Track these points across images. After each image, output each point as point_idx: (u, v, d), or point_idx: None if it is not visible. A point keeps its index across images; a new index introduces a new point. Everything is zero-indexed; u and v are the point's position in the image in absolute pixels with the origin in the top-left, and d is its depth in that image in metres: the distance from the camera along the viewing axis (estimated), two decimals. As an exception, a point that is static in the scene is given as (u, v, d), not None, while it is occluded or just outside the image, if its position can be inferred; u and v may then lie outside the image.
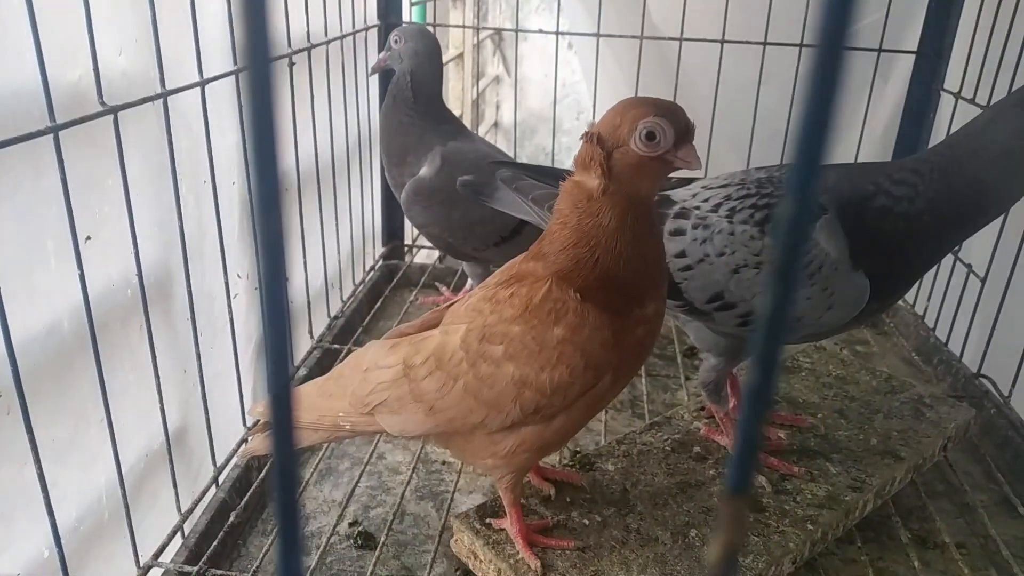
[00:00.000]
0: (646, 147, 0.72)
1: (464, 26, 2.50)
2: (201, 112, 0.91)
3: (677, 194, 1.01)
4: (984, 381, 1.33)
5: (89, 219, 0.76)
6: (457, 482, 1.07)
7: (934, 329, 1.50)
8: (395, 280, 1.66)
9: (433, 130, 1.29)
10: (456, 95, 2.79)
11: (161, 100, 0.83)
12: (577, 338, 0.74)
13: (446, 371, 0.78)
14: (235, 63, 0.99)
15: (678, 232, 0.95)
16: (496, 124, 3.59)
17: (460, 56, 2.73)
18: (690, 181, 1.05)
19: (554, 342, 0.74)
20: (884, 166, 0.94)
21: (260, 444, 0.91)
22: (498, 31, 3.13)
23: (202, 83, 0.90)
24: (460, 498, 1.06)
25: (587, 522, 0.91)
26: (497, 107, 3.63)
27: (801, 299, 0.87)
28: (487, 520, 0.90)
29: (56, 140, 0.67)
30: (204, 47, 0.91)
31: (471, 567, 0.90)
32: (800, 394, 1.18)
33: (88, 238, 0.75)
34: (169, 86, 0.85)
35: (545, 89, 3.50)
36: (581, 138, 0.75)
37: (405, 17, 1.67)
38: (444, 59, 2.68)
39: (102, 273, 0.82)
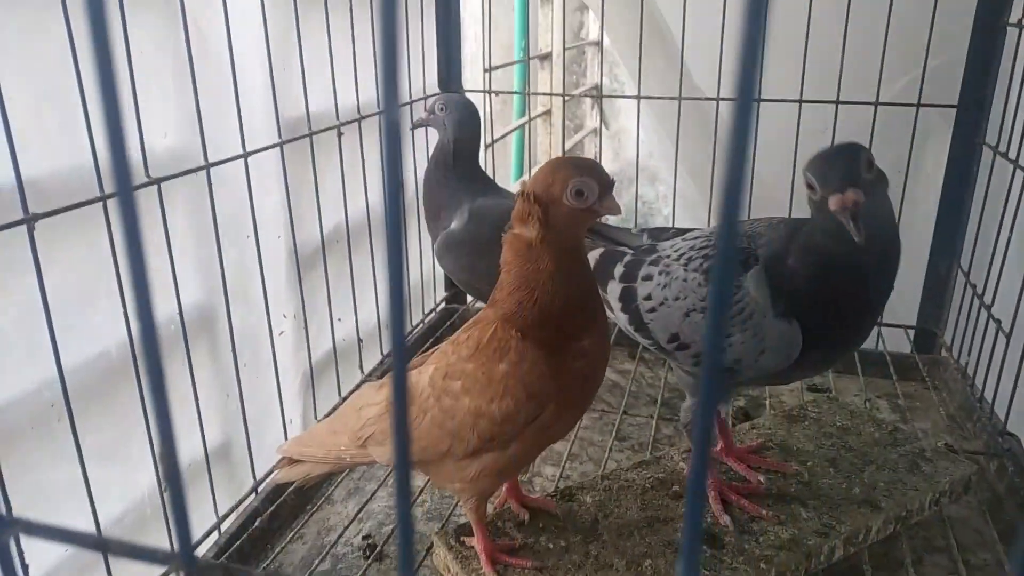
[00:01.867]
0: (576, 202, 0.83)
1: (551, 93, 2.69)
2: (245, 177, 1.10)
3: (661, 245, 1.10)
4: (1010, 439, 1.31)
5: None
6: (456, 504, 1.19)
7: (972, 385, 1.48)
8: (451, 321, 1.81)
9: (465, 189, 1.44)
10: (544, 149, 2.95)
11: (204, 171, 1.02)
12: (518, 372, 0.85)
13: (418, 405, 0.91)
14: (279, 136, 1.18)
15: (648, 277, 1.04)
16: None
17: (547, 113, 2.88)
18: (689, 231, 1.14)
19: (500, 376, 0.86)
20: (802, 221, 1.00)
21: (285, 475, 1.06)
22: (575, 96, 3.26)
23: (245, 155, 1.09)
24: (460, 520, 1.17)
25: (552, 546, 1.00)
26: (596, 158, 3.75)
27: (736, 343, 0.94)
28: (461, 538, 1.01)
29: (104, 207, 0.86)
30: (250, 120, 1.10)
31: (443, 573, 1.02)
32: (797, 442, 1.22)
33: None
34: (218, 157, 1.04)
35: (641, 140, 3.59)
36: (516, 195, 0.87)
37: (475, 84, 1.83)
38: (532, 114, 2.85)
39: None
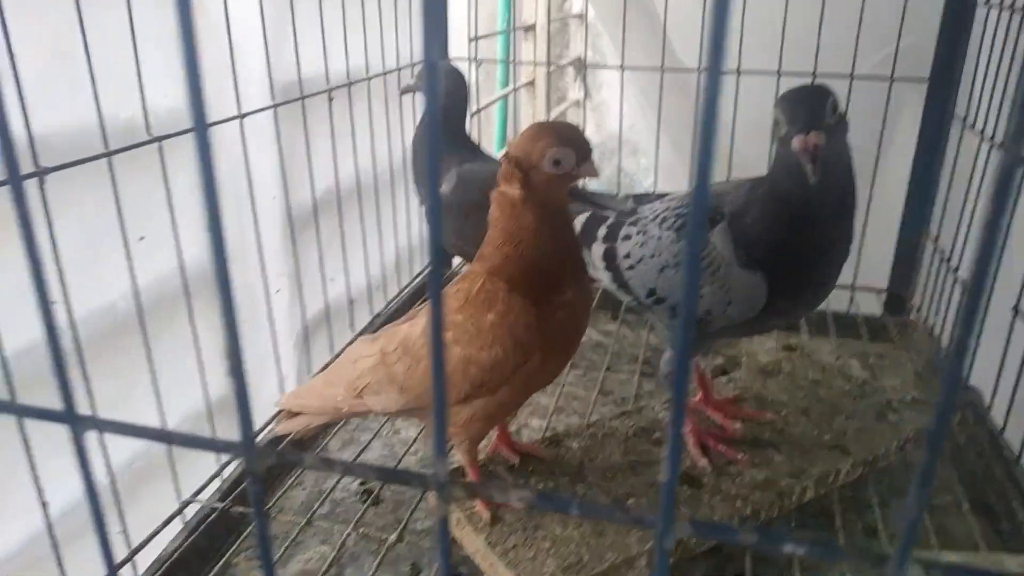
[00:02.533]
0: (554, 169, 0.88)
1: (535, 63, 2.72)
2: (240, 139, 1.14)
3: (642, 208, 1.16)
4: (971, 391, 1.38)
5: (144, 224, 0.98)
6: (451, 455, 1.25)
7: (940, 345, 1.55)
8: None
9: (452, 153, 1.48)
10: (527, 119, 2.98)
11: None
12: (505, 321, 0.90)
13: (411, 356, 0.96)
14: (272, 99, 1.21)
15: (627, 237, 1.10)
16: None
17: (531, 83, 2.92)
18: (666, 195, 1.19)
19: (487, 326, 0.91)
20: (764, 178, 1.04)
21: (285, 426, 1.10)
22: (559, 66, 3.29)
23: (240, 116, 1.13)
24: (454, 467, 1.23)
25: (541, 487, 1.06)
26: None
27: (706, 295, 1.00)
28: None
29: (109, 163, 0.90)
30: (246, 83, 1.14)
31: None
32: (771, 393, 1.28)
33: (142, 238, 0.98)
34: (215, 118, 1.07)
35: (625, 112, 3.62)
36: (501, 158, 0.92)
37: (460, 53, 1.87)
38: (516, 85, 2.89)
39: (153, 267, 1.05)
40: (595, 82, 3.63)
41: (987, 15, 1.45)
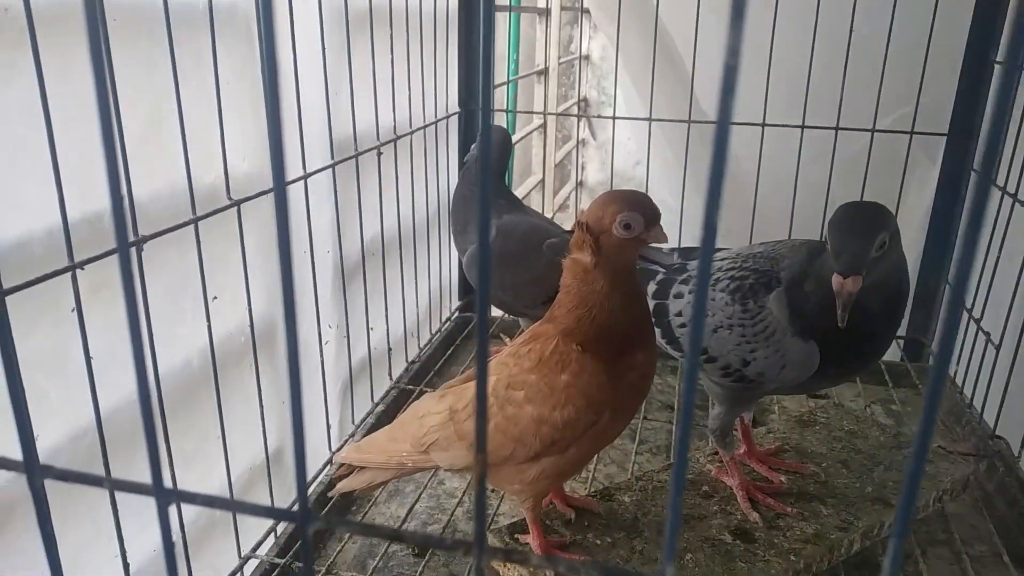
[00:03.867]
0: (624, 233, 0.92)
1: (532, 112, 2.79)
2: (304, 197, 1.17)
3: (692, 264, 1.20)
4: (1000, 441, 1.42)
5: (216, 284, 1.01)
6: (499, 506, 1.27)
7: (962, 391, 1.60)
8: (467, 330, 1.88)
9: (492, 206, 1.52)
10: (539, 160, 3.04)
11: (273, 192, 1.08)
12: (579, 382, 0.93)
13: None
14: (332, 157, 1.25)
15: (679, 296, 1.14)
16: (581, 183, 3.81)
17: (542, 126, 2.98)
18: (716, 251, 1.23)
19: (561, 386, 0.94)
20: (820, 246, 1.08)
21: (348, 483, 1.11)
22: (566, 115, 3.36)
23: (305, 176, 1.16)
24: (501, 520, 1.25)
25: (599, 542, 1.09)
26: (583, 168, 3.85)
27: (760, 358, 1.04)
28: (515, 535, 1.09)
29: (196, 229, 0.93)
30: (307, 145, 1.17)
31: (501, 573, 1.09)
32: (810, 445, 1.32)
33: (215, 298, 1.00)
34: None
35: (628, 151, 3.70)
36: (573, 226, 0.96)
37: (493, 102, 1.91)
38: (528, 129, 2.94)
39: (223, 325, 1.07)
40: (600, 123, 3.70)
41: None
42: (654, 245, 1.33)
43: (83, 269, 0.77)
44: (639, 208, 0.93)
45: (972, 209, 0.30)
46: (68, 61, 0.81)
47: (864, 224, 0.97)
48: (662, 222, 0.95)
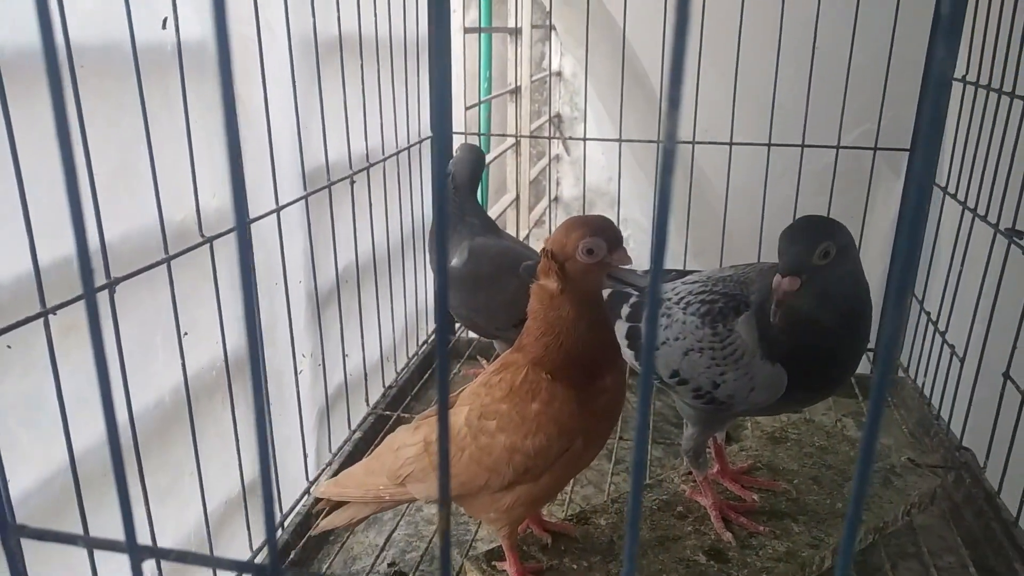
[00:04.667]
0: (588, 258, 0.93)
1: (505, 135, 2.82)
2: (276, 229, 1.18)
3: (664, 287, 1.22)
4: (966, 452, 1.45)
5: (187, 320, 1.01)
6: (477, 532, 1.28)
7: (928, 403, 1.63)
8: (444, 353, 1.89)
9: (464, 223, 1.54)
10: (513, 178, 3.06)
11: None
12: (550, 410, 0.95)
13: (455, 444, 0.99)
14: (304, 188, 1.26)
15: (652, 321, 1.15)
16: (556, 199, 3.84)
17: (517, 144, 3.00)
18: (688, 273, 1.25)
19: (532, 415, 0.95)
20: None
21: (330, 521, 1.11)
22: (536, 137, 3.38)
23: (277, 210, 1.17)
24: (480, 545, 1.26)
25: (576, 567, 1.10)
26: (558, 183, 3.88)
27: (730, 381, 1.06)
28: (492, 562, 1.10)
29: (168, 267, 0.93)
30: (279, 177, 1.18)
31: (479, 600, 1.10)
32: (782, 462, 1.34)
33: (186, 333, 1.01)
34: (255, 213, 1.12)
35: (601, 166, 3.72)
36: (540, 252, 0.97)
37: (458, 125, 1.93)
38: (502, 148, 2.96)
39: (195, 360, 1.07)
40: (573, 140, 3.73)
41: (963, 90, 1.56)
42: (625, 267, 1.35)
43: (55, 314, 0.77)
44: (601, 233, 0.95)
45: (913, 211, 0.32)
46: (37, 105, 0.81)
47: (808, 231, 1.01)
48: (634, 242, 0.98)
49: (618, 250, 0.96)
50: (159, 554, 0.43)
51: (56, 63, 0.37)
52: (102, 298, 0.84)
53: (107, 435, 0.40)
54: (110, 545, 0.43)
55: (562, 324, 0.97)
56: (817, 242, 0.98)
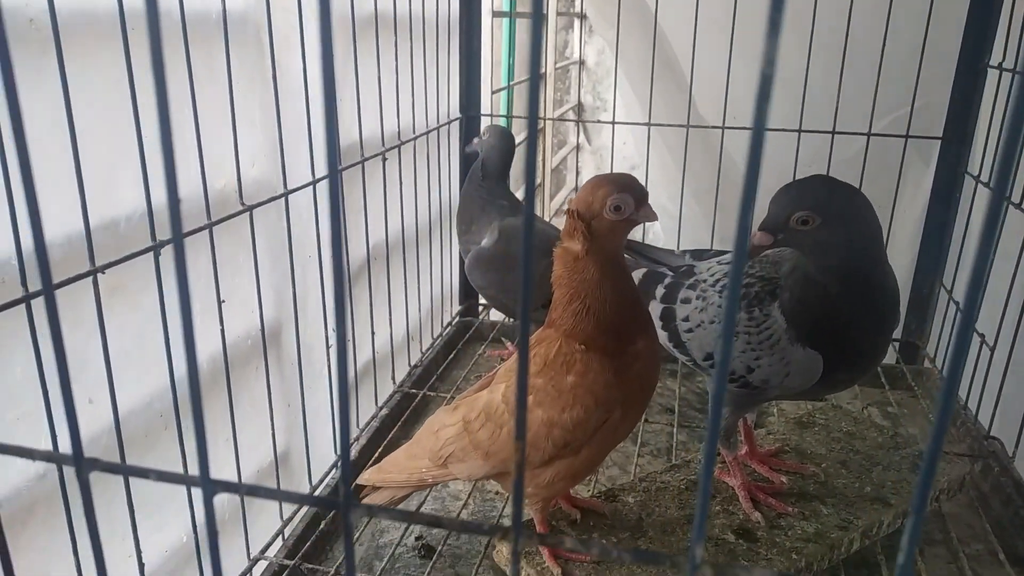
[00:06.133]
0: (615, 215, 0.93)
1: (528, 117, 2.80)
2: (312, 203, 1.19)
3: (699, 266, 1.21)
4: (994, 442, 1.45)
5: (225, 288, 1.02)
6: (504, 507, 1.28)
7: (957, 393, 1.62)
8: (468, 334, 1.90)
9: (495, 205, 1.54)
10: (536, 165, 3.06)
11: (283, 198, 1.10)
12: (585, 381, 0.95)
13: (494, 422, 0.99)
14: (339, 163, 1.26)
15: (686, 300, 1.15)
16: (577, 188, 3.83)
17: (541, 131, 3.00)
18: (724, 253, 1.25)
19: (568, 387, 0.95)
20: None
21: (371, 500, 1.11)
22: (563, 120, 3.38)
23: (313, 182, 1.17)
24: (506, 521, 1.27)
25: (604, 542, 1.10)
26: (578, 172, 3.87)
27: (764, 366, 1.06)
28: (522, 535, 1.10)
29: (210, 233, 0.94)
30: (315, 152, 1.19)
31: (508, 573, 1.11)
32: (810, 446, 1.34)
33: (224, 301, 1.02)
34: (291, 185, 1.12)
35: (624, 155, 3.72)
36: (564, 212, 0.97)
37: (484, 107, 1.93)
38: (525, 134, 2.97)
39: (230, 328, 1.08)
40: (595, 128, 3.73)
41: (999, 77, 1.54)
42: (661, 248, 1.35)
43: (104, 273, 0.78)
44: (628, 189, 0.94)
45: (985, 230, 0.32)
46: (87, 70, 0.82)
47: (791, 195, 1.02)
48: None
49: (645, 206, 0.96)
50: (230, 488, 0.43)
51: (158, 28, 0.35)
52: (147, 261, 0.85)
53: (187, 366, 0.40)
54: (181, 479, 0.43)
55: (588, 287, 0.96)
56: (794, 209, 0.99)
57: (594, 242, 0.95)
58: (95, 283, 0.77)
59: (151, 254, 0.85)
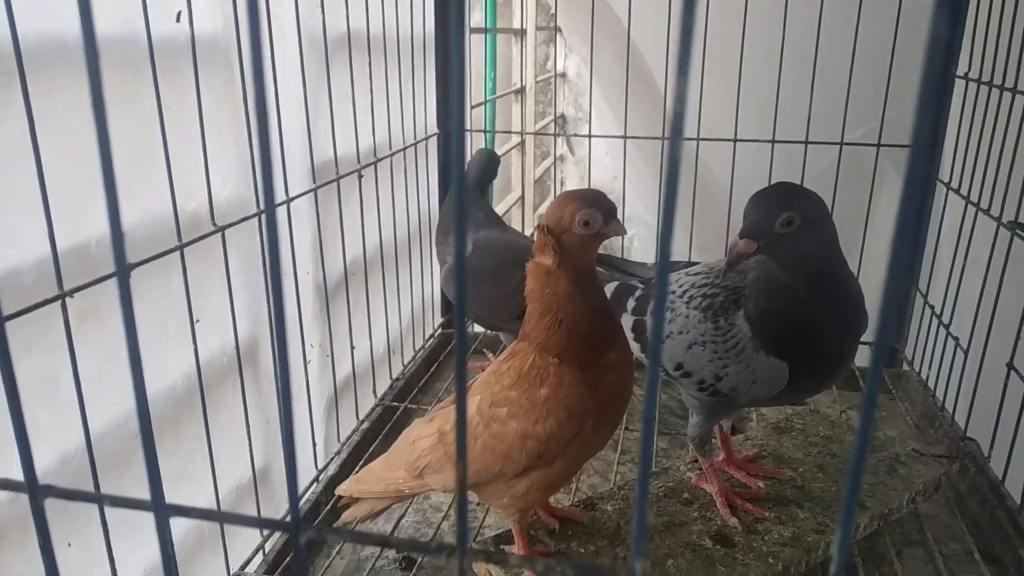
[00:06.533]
0: (584, 230, 0.95)
1: (510, 131, 2.85)
2: (287, 221, 1.20)
3: (671, 277, 1.23)
4: (970, 443, 1.46)
5: (199, 308, 1.03)
6: (484, 519, 1.29)
7: (932, 395, 1.64)
8: (450, 347, 1.91)
9: (470, 217, 1.56)
10: (518, 177, 3.08)
11: (256, 217, 1.11)
12: (558, 394, 0.96)
13: (468, 433, 1.00)
14: (313, 181, 1.28)
15: (656, 312, 1.17)
16: (561, 200, 3.85)
17: (520, 144, 3.02)
18: (692, 264, 1.26)
19: (541, 400, 0.96)
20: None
21: (350, 514, 1.12)
22: (541, 134, 3.40)
23: (288, 201, 1.19)
24: (486, 532, 1.27)
25: (583, 551, 1.11)
26: (562, 183, 3.89)
27: (732, 374, 1.07)
28: (500, 546, 1.11)
29: (182, 255, 0.95)
30: (289, 169, 1.20)
31: (485, 581, 1.12)
32: (787, 451, 1.35)
33: (198, 320, 1.02)
34: (262, 206, 1.13)
35: (606, 166, 3.74)
36: (534, 229, 0.99)
37: (467, 123, 1.95)
38: (507, 147, 2.98)
39: (205, 346, 1.09)
40: (577, 139, 3.75)
41: (966, 87, 1.57)
42: (633, 261, 1.37)
43: (72, 297, 0.79)
44: (596, 204, 0.96)
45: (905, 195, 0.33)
46: (54, 96, 0.83)
47: (771, 198, 1.02)
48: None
49: (613, 221, 0.97)
50: (182, 511, 0.44)
51: (96, 54, 0.36)
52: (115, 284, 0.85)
53: (135, 396, 0.42)
54: (135, 504, 0.44)
55: (559, 301, 0.97)
56: (780, 210, 0.99)
57: (565, 256, 0.96)
58: (63, 307, 0.78)
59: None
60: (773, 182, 1.75)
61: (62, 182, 0.78)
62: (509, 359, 1.02)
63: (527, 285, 1.01)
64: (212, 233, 1.01)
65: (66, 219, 0.79)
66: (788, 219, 0.98)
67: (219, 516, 0.45)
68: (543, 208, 3.63)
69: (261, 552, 1.20)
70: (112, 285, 0.86)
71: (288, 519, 0.42)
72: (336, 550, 1.23)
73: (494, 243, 1.56)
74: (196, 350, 0.99)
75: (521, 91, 3.03)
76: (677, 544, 1.12)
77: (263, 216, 1.08)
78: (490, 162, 1.62)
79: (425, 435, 1.04)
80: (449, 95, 1.83)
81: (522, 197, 3.12)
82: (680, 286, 1.17)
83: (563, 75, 3.69)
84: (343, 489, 1.10)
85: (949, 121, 1.69)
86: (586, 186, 3.93)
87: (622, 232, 0.99)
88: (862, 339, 1.12)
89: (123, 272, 0.41)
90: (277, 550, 1.19)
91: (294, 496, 0.43)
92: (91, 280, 0.82)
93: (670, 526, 1.16)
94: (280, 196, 1.17)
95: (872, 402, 0.36)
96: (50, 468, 0.87)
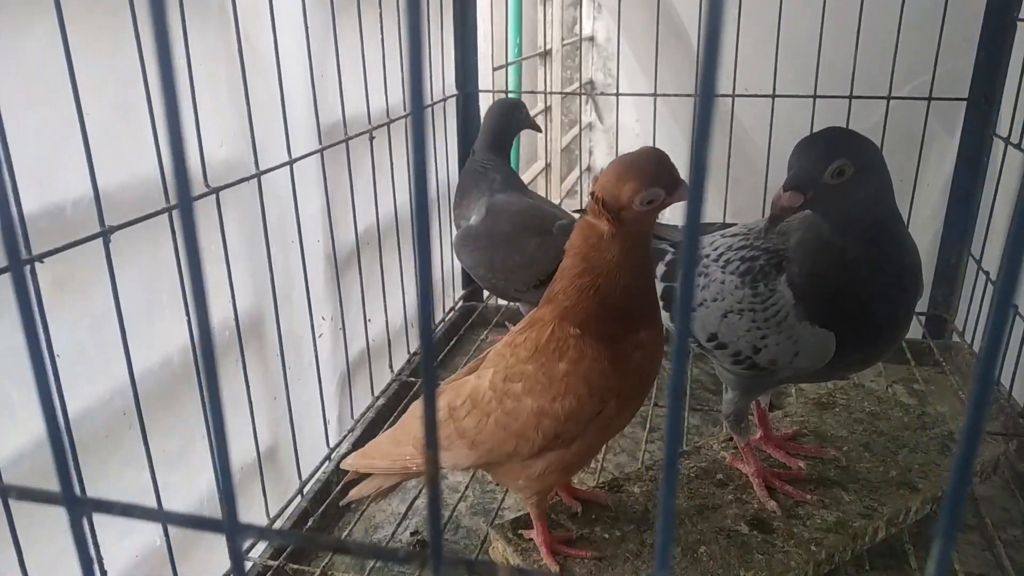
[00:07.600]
0: (647, 207, 0.85)
1: (535, 92, 2.73)
2: (290, 184, 1.12)
3: (703, 240, 1.13)
4: (1029, 420, 1.36)
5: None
6: (503, 500, 1.22)
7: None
8: (471, 319, 1.83)
9: (486, 179, 1.47)
10: (542, 143, 2.97)
11: (255, 179, 1.03)
12: (579, 369, 0.87)
13: (480, 409, 0.92)
14: (320, 142, 1.20)
15: (688, 278, 1.07)
16: (589, 168, 3.74)
17: (547, 108, 2.91)
18: (729, 226, 1.16)
19: (560, 375, 0.88)
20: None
21: (358, 492, 1.06)
22: (566, 94, 3.29)
23: (290, 162, 1.11)
24: (506, 514, 1.20)
25: (607, 536, 1.03)
26: (591, 152, 3.78)
27: (771, 344, 0.97)
28: (519, 531, 1.04)
29: (170, 217, 0.87)
30: (293, 129, 1.12)
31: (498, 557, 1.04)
32: (830, 428, 1.26)
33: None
34: (266, 165, 1.06)
35: (636, 133, 3.61)
36: (589, 194, 0.89)
37: (485, 84, 1.86)
38: (533, 112, 2.88)
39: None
40: (606, 106, 3.62)
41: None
42: (664, 224, 1.26)
43: (42, 262, 0.72)
44: (658, 182, 0.86)
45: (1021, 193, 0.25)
46: (23, 39, 0.75)
47: (820, 145, 0.90)
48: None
49: (677, 191, 0.87)
50: (101, 507, 0.37)
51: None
52: (95, 248, 0.78)
53: (37, 398, 0.34)
54: (44, 497, 0.37)
55: (604, 267, 0.88)
56: (830, 158, 0.88)
57: (622, 227, 0.87)
58: (32, 272, 0.71)
59: (100, 240, 0.78)
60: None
61: (31, 137, 0.71)
62: (526, 329, 0.93)
63: (571, 239, 0.91)
64: (205, 195, 0.93)
65: (37, 179, 0.71)
66: (840, 168, 0.87)
67: (145, 512, 0.37)
68: (571, 178, 3.52)
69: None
70: (92, 250, 0.79)
71: (235, 520, 0.35)
72: (346, 533, 1.17)
73: (510, 207, 1.47)
74: (190, 322, 0.92)
75: (546, 54, 2.92)
76: (710, 529, 1.04)
77: (260, 178, 1.01)
78: (511, 113, 1.51)
79: None
80: (467, 55, 1.74)
81: (548, 167, 3.01)
82: (715, 248, 1.07)
83: (591, 39, 3.57)
84: (349, 463, 1.03)
85: (1008, 70, 1.56)
86: (614, 155, 3.81)
87: (687, 197, 0.88)
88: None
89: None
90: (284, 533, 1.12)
91: (230, 495, 0.35)
92: (65, 243, 0.74)
93: (702, 509, 1.08)
94: (282, 157, 1.09)
95: (984, 401, 0.28)
96: (26, 450, 0.81)
